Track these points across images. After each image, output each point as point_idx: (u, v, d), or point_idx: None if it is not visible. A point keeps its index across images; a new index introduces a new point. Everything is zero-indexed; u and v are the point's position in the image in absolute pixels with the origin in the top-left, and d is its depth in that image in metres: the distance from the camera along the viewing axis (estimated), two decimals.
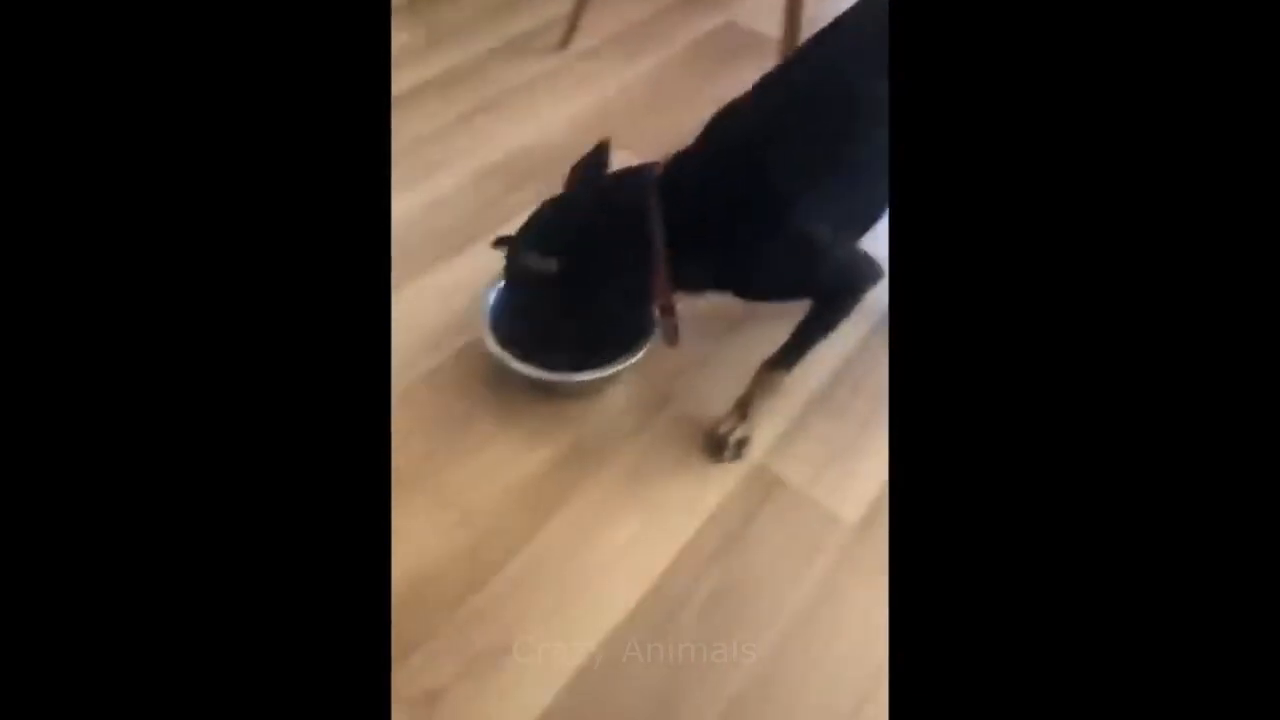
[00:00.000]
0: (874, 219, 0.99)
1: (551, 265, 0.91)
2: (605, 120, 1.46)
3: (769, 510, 0.93)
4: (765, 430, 1.00)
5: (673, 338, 0.98)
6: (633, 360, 0.99)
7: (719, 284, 0.96)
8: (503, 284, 1.03)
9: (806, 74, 0.96)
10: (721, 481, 0.95)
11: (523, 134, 1.42)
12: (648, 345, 1.00)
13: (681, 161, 0.94)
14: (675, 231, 0.90)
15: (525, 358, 0.98)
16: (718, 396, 1.02)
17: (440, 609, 0.84)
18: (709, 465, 0.97)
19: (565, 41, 1.61)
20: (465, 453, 0.97)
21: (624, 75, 1.57)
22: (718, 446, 0.97)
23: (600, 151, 1.00)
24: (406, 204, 1.28)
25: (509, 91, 1.52)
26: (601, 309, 0.97)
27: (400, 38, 1.64)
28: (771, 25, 1.70)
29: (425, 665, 0.80)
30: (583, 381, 0.99)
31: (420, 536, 0.90)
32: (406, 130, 1.42)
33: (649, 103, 1.51)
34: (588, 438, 0.99)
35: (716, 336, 1.10)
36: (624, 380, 1.04)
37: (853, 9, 1.01)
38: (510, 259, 0.98)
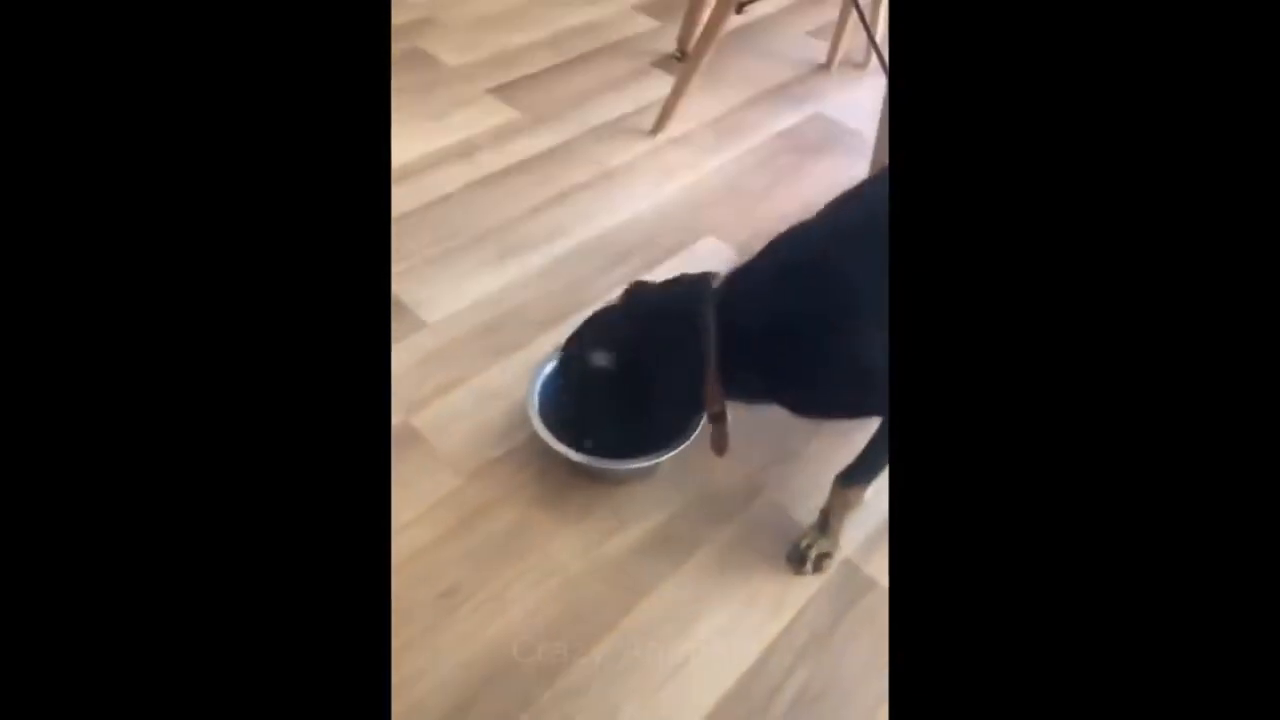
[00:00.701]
0: None
1: (605, 360, 0.94)
2: (694, 206, 1.52)
3: (859, 611, 0.94)
4: (855, 529, 1.01)
5: (721, 445, 1.00)
6: (666, 456, 1.01)
7: (772, 397, 0.97)
8: (552, 369, 1.08)
9: (879, 200, 0.95)
10: (810, 579, 0.97)
11: (616, 215, 1.49)
12: (685, 444, 1.02)
13: (742, 273, 0.96)
14: (729, 342, 0.92)
15: (568, 441, 1.01)
16: (810, 489, 1.04)
17: (539, 680, 0.87)
18: None
19: (658, 127, 1.69)
20: (563, 523, 1.01)
21: (713, 162, 1.64)
22: (800, 560, 0.99)
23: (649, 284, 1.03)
24: (503, 279, 1.34)
25: (604, 174, 1.59)
26: (649, 408, 0.99)
27: (504, 115, 1.73)
28: (859, 119, 1.77)
29: None
30: (613, 470, 1.02)
31: (518, 604, 0.93)
32: (506, 207, 1.49)
33: (736, 190, 1.57)
34: (678, 522, 1.02)
35: (809, 429, 1.12)
36: (715, 468, 1.06)
37: None
38: (566, 351, 1.02)
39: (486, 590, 0.94)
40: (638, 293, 1.03)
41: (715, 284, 0.96)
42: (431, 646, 0.89)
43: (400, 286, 1.30)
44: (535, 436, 1.03)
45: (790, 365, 0.91)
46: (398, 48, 1.93)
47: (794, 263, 0.94)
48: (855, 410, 0.96)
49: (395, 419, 1.11)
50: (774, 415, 0.99)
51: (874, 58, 1.92)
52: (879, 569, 0.98)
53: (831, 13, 2.10)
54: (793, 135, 1.73)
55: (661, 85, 1.84)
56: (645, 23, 2.10)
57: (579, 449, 1.01)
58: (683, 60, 1.93)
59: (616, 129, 1.71)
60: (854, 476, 0.97)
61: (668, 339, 0.94)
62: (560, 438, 1.02)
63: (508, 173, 1.57)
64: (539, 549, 0.99)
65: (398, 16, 2.05)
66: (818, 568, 0.98)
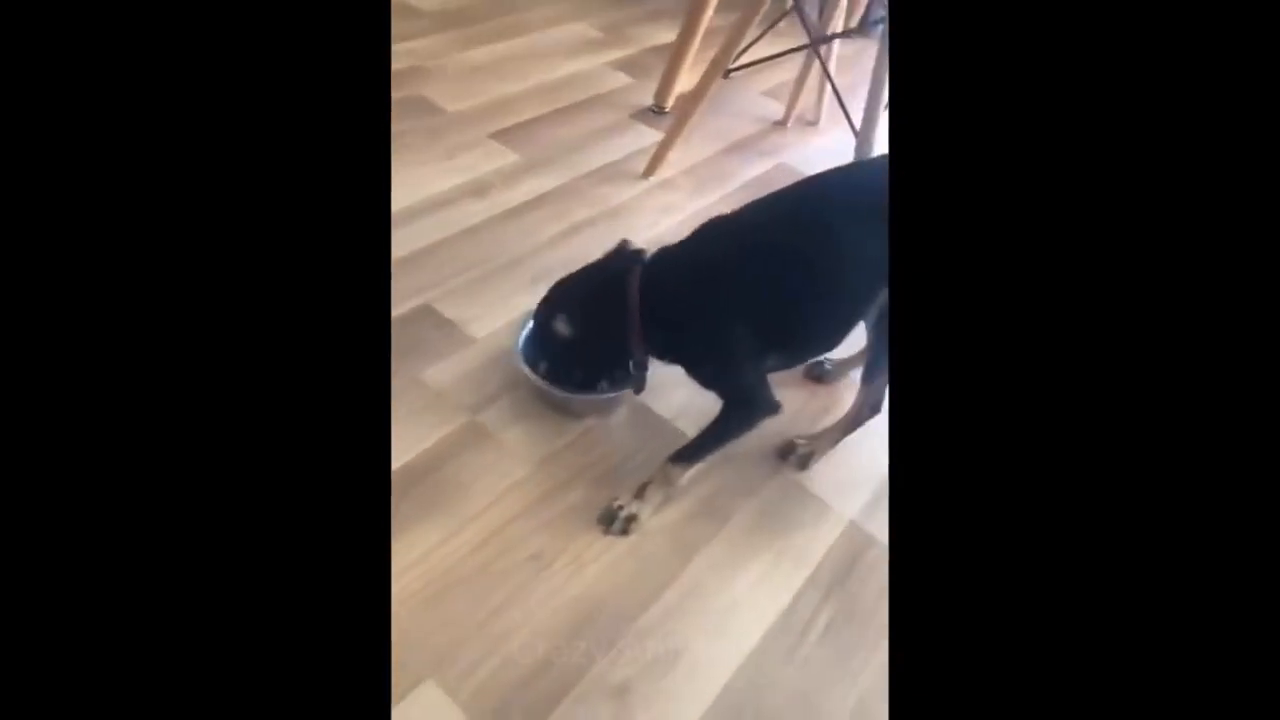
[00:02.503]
0: (812, 354, 1.29)
1: (566, 329, 1.17)
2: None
3: (865, 562, 1.18)
4: (856, 494, 1.25)
5: (639, 387, 1.21)
6: (614, 397, 1.30)
7: (678, 358, 1.17)
8: (531, 327, 1.32)
9: (794, 206, 1.13)
10: (822, 539, 1.20)
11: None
12: (626, 388, 1.26)
13: (665, 251, 1.16)
14: (647, 306, 1.13)
15: (546, 380, 1.27)
16: (823, 467, 1.28)
17: (618, 624, 1.06)
18: (816, 522, 1.22)
19: (649, 172, 1.93)
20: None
21: (698, 203, 1.89)
22: (609, 520, 1.15)
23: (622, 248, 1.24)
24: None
25: (608, 211, 1.81)
26: (597, 357, 1.24)
27: (507, 157, 1.93)
28: (817, 168, 2.06)
29: (615, 662, 1.01)
30: (582, 400, 1.29)
31: (594, 563, 1.12)
32: (527, 238, 1.69)
33: None
34: (718, 495, 1.24)
35: (818, 422, 1.36)
36: (743, 454, 1.29)
37: (856, 163, 1.32)
38: (540, 315, 1.24)
39: (568, 553, 1.13)
40: (589, 267, 1.23)
41: (643, 259, 1.17)
42: (524, 602, 1.07)
43: (446, 306, 1.48)
44: (591, 429, 1.24)
45: (683, 330, 1.13)
46: (398, 93, 2.11)
47: (703, 247, 1.14)
48: (710, 384, 1.16)
49: (461, 419, 1.29)
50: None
51: (823, 115, 2.23)
52: (879, 528, 1.22)
53: (783, 75, 2.41)
54: (761, 181, 2.00)
55: (641, 136, 2.09)
56: (621, 78, 2.36)
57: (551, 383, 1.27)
58: (660, 114, 2.19)
59: (611, 173, 1.94)
60: (681, 457, 1.16)
61: (606, 302, 1.16)
62: (538, 374, 1.29)
63: (522, 208, 1.77)
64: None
65: (393, 64, 2.23)
66: (624, 530, 1.14)
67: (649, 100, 2.25)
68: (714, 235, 1.15)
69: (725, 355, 1.13)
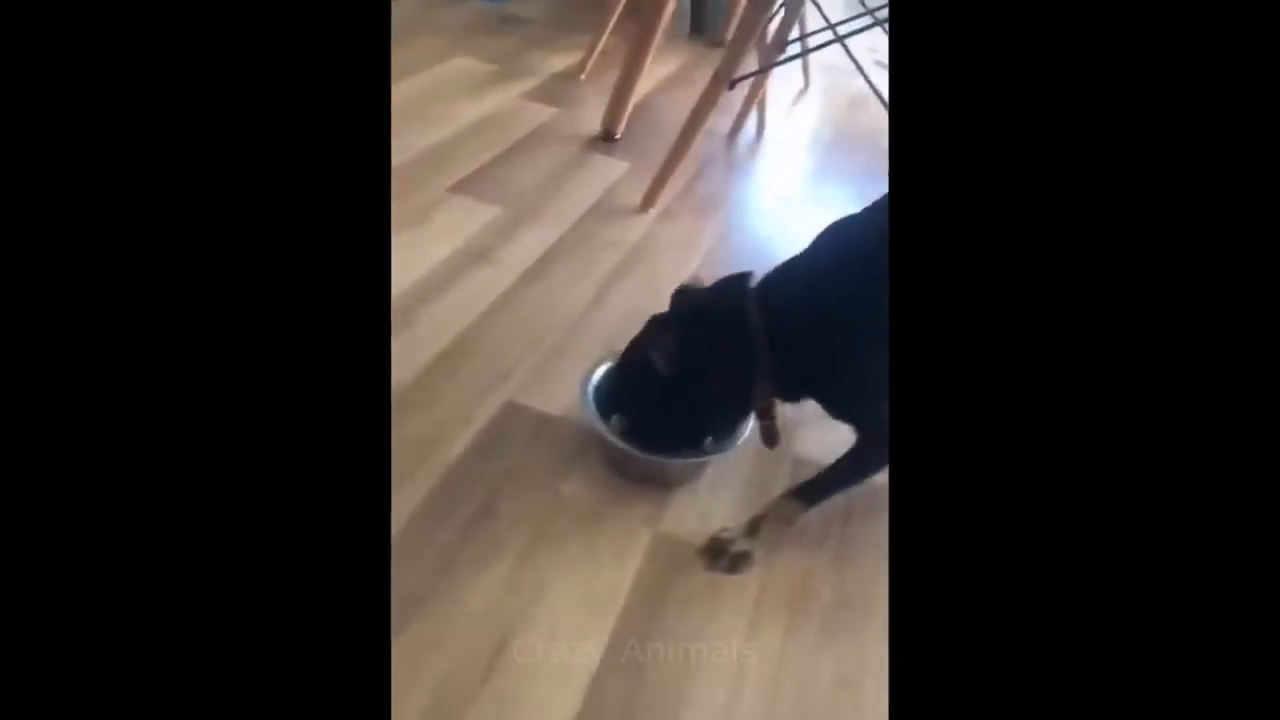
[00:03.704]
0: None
1: (666, 366, 0.98)
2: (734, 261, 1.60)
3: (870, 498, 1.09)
4: None
5: (772, 440, 1.04)
6: (724, 456, 1.08)
7: (812, 390, 0.99)
8: (608, 370, 1.13)
9: None
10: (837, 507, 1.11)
11: (666, 282, 1.52)
12: (739, 443, 1.08)
13: (788, 268, 0.99)
14: (776, 335, 0.94)
15: (629, 439, 1.06)
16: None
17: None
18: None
19: (647, 205, 1.74)
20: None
21: (710, 228, 1.73)
22: (718, 554, 0.98)
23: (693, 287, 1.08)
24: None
25: (631, 252, 1.61)
26: (700, 409, 1.04)
27: (486, 211, 1.66)
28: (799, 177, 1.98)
29: None
30: (683, 466, 1.08)
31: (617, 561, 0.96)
32: (564, 300, 1.45)
33: (754, 238, 1.69)
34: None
35: None
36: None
37: None
38: (627, 360, 1.06)
39: None
40: (683, 297, 1.06)
41: (754, 281, 0.99)
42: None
43: (521, 395, 1.21)
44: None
45: (821, 362, 0.95)
46: None
47: (841, 255, 0.96)
48: (853, 413, 0.98)
49: (566, 490, 1.05)
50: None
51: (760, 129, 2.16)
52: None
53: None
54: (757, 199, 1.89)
55: (606, 167, 1.90)
56: (545, 110, 2.14)
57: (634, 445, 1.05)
58: (610, 141, 2.00)
59: (604, 211, 1.73)
60: (803, 494, 1.00)
61: (714, 341, 0.98)
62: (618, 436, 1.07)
63: (539, 268, 1.52)
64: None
65: None
66: (734, 567, 0.97)
67: (585, 129, 2.05)
68: (842, 243, 0.98)
69: (871, 379, 0.93)
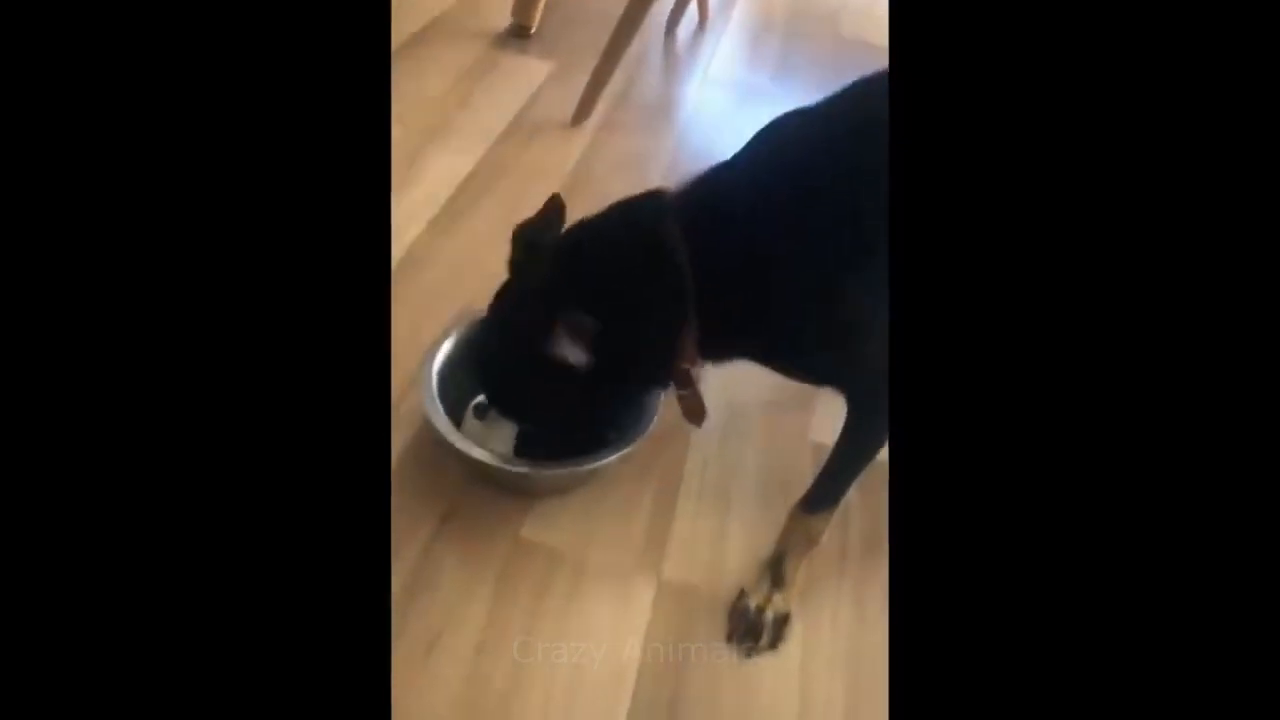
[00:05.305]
0: None
1: (582, 356, 0.67)
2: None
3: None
4: None
5: (698, 414, 0.76)
6: (625, 451, 0.80)
7: (760, 340, 0.73)
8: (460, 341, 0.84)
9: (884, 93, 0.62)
10: None
11: None
12: (645, 433, 0.81)
13: (715, 177, 0.71)
14: (708, 271, 0.67)
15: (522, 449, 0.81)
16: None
17: None
18: None
19: (580, 117, 1.40)
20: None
21: (662, 145, 1.41)
22: (754, 632, 0.74)
23: (551, 209, 0.75)
24: None
25: (569, 183, 1.28)
26: (616, 391, 0.77)
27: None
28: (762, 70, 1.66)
29: None
30: (552, 476, 0.81)
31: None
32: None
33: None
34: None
35: None
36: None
37: None
38: (502, 341, 0.75)
39: None
40: (574, 231, 0.73)
41: (674, 199, 0.70)
42: None
43: None
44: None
45: (786, 299, 0.68)
46: None
47: (795, 159, 0.69)
48: (828, 372, 0.74)
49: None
50: None
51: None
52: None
53: None
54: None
55: (525, 69, 1.56)
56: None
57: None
58: (524, 37, 1.62)
59: (531, 127, 1.39)
60: (816, 503, 0.78)
61: (625, 288, 0.68)
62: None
63: (459, 209, 1.18)
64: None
65: None
66: (777, 637, 0.75)
67: (492, 23, 1.66)
68: (800, 143, 0.70)
69: (851, 319, 0.67)
